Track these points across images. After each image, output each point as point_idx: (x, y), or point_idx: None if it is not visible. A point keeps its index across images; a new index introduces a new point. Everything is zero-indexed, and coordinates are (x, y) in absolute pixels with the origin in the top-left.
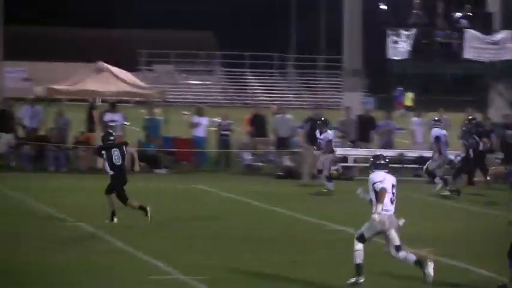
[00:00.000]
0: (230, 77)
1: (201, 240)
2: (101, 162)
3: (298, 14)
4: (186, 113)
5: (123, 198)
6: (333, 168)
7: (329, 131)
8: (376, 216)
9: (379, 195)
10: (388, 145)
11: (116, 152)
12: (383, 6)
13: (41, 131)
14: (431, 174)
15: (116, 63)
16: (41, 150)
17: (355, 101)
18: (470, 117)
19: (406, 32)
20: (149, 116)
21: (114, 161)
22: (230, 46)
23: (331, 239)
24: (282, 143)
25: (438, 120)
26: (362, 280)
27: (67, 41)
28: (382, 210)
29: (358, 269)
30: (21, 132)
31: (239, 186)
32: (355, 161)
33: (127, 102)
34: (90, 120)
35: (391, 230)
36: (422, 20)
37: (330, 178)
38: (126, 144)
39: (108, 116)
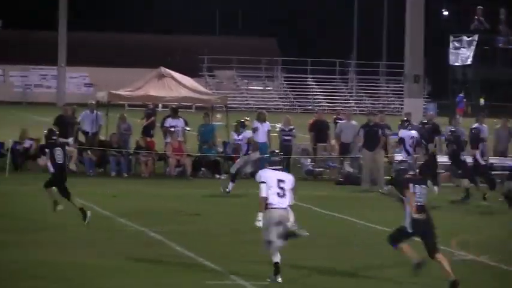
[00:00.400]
0: (291, 82)
1: (260, 245)
2: (43, 161)
3: (360, 20)
4: (247, 118)
5: (66, 194)
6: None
7: (247, 131)
8: (269, 215)
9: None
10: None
11: (58, 151)
12: (445, 13)
13: (101, 136)
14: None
15: (177, 69)
16: (103, 155)
17: (416, 107)
18: (424, 120)
19: (468, 38)
20: (204, 122)
21: (56, 159)
22: (292, 52)
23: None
24: (345, 149)
25: (406, 121)
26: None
27: (129, 47)
28: (271, 207)
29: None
30: (80, 138)
31: (299, 191)
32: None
33: (189, 107)
34: (151, 125)
35: (280, 225)
36: (484, 26)
37: (233, 178)
38: (67, 143)
39: (169, 122)
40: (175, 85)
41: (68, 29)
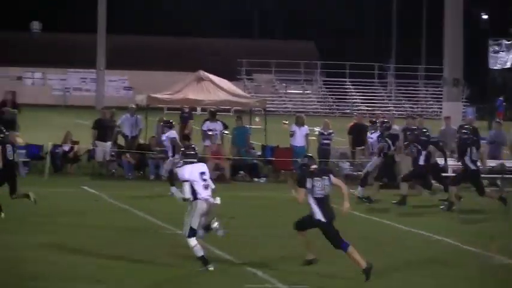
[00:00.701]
0: (330, 86)
1: (299, 248)
2: (3, 158)
3: (399, 24)
4: (285, 122)
5: (13, 189)
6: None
7: (172, 131)
8: (197, 206)
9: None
10: (497, 155)
11: (9, 148)
12: (485, 16)
13: (140, 139)
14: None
15: (216, 72)
16: (142, 158)
17: (455, 111)
18: (384, 119)
19: (508, 42)
20: (237, 125)
21: (8, 156)
22: (331, 56)
23: (438, 251)
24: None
25: (374, 123)
26: (211, 268)
27: (168, 50)
28: (200, 198)
29: (204, 260)
30: (120, 141)
31: (337, 195)
32: (454, 171)
33: (227, 111)
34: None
35: (206, 215)
36: None
37: (172, 182)
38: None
39: (207, 125)
40: (214, 88)
41: (107, 32)
